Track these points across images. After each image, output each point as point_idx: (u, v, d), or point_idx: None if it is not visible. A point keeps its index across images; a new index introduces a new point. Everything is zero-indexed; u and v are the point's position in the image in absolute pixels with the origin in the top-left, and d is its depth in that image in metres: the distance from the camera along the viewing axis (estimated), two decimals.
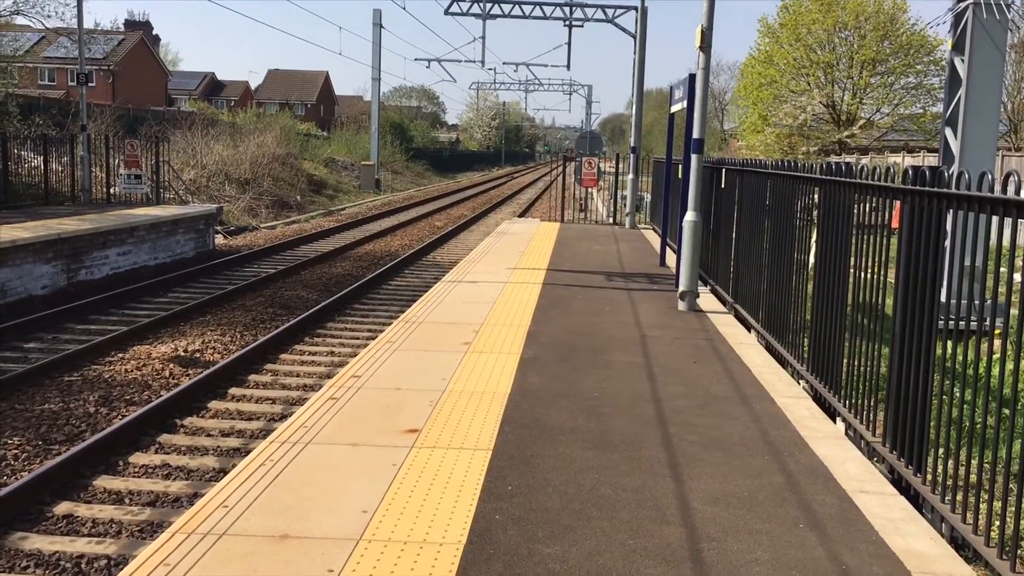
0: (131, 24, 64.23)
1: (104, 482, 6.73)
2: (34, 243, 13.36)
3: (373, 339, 9.89)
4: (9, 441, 7.45)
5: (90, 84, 21.88)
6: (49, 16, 22.04)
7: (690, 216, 9.78)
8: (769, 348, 8.07)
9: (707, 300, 10.43)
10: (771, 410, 6.09)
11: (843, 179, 6.01)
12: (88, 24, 23.45)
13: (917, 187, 4.74)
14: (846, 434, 5.70)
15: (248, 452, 6.98)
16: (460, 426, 5.45)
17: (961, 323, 4.57)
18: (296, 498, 4.27)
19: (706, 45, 9.51)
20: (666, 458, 5.04)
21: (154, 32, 66.65)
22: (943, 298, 4.82)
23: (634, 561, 3.79)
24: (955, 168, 10.86)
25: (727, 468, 4.93)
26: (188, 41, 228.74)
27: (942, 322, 4.81)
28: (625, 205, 20.96)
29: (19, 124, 21.49)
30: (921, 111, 39.10)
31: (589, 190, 28.02)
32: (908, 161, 30.26)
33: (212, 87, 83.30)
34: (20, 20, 23.04)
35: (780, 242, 7.82)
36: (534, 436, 5.31)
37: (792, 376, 7.14)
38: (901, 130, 41.32)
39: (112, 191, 21.09)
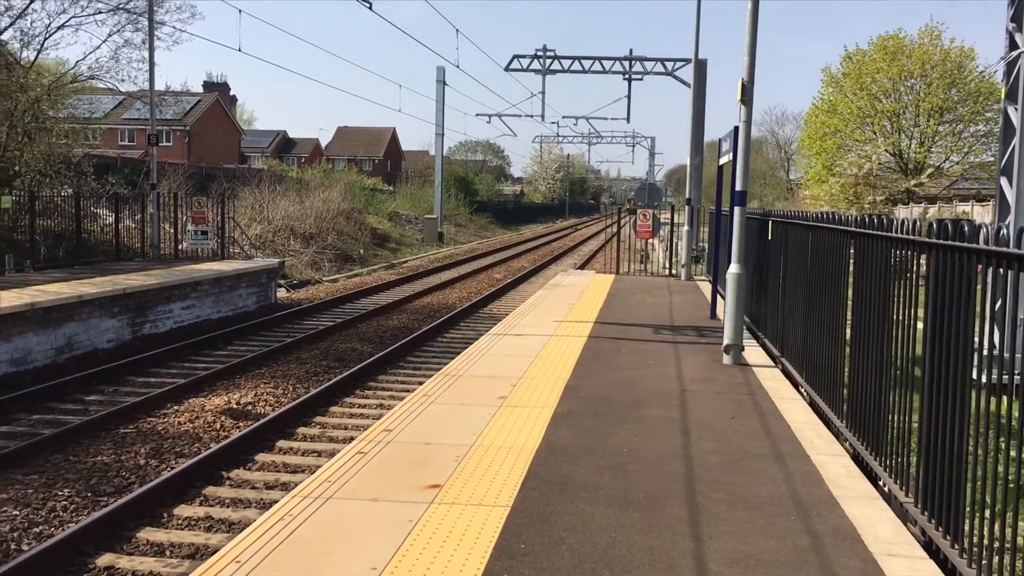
0: (209, 85, 66.79)
1: (147, 534, 6.86)
2: (100, 298, 13.85)
3: None
4: (59, 492, 7.67)
5: (165, 143, 22.76)
6: (123, 80, 23.08)
7: (734, 268, 9.70)
8: (813, 404, 7.91)
9: (755, 354, 10.27)
10: (805, 468, 5.95)
11: (873, 232, 5.92)
12: (160, 87, 24.47)
13: (940, 240, 4.66)
14: (882, 494, 5.54)
15: None
16: (483, 482, 5.45)
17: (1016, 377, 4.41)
18: (309, 554, 4.31)
19: (747, 98, 9.51)
20: (687, 516, 4.96)
21: (231, 92, 69.15)
22: (996, 351, 4.64)
23: None
24: (1011, 219, 10.62)
25: (750, 528, 4.82)
26: (263, 100, 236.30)
27: (997, 376, 4.62)
28: (681, 256, 20.85)
29: (93, 183, 22.41)
30: (992, 159, 38.20)
31: (650, 241, 27.96)
32: (978, 210, 29.53)
33: (284, 144, 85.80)
34: (100, 84, 24.16)
35: (821, 295, 7.70)
36: (555, 493, 5.29)
37: (834, 434, 6.97)
38: (972, 179, 40.39)
39: (180, 247, 21.79)
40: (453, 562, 4.25)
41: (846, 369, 6.77)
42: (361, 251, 33.15)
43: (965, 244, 4.37)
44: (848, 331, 6.76)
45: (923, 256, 5.09)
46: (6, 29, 21.29)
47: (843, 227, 6.80)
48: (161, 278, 16.12)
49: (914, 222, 5.20)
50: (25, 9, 21.10)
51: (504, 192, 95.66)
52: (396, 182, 67.40)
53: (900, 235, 5.34)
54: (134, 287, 14.86)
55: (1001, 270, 4.17)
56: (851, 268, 6.73)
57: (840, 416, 6.90)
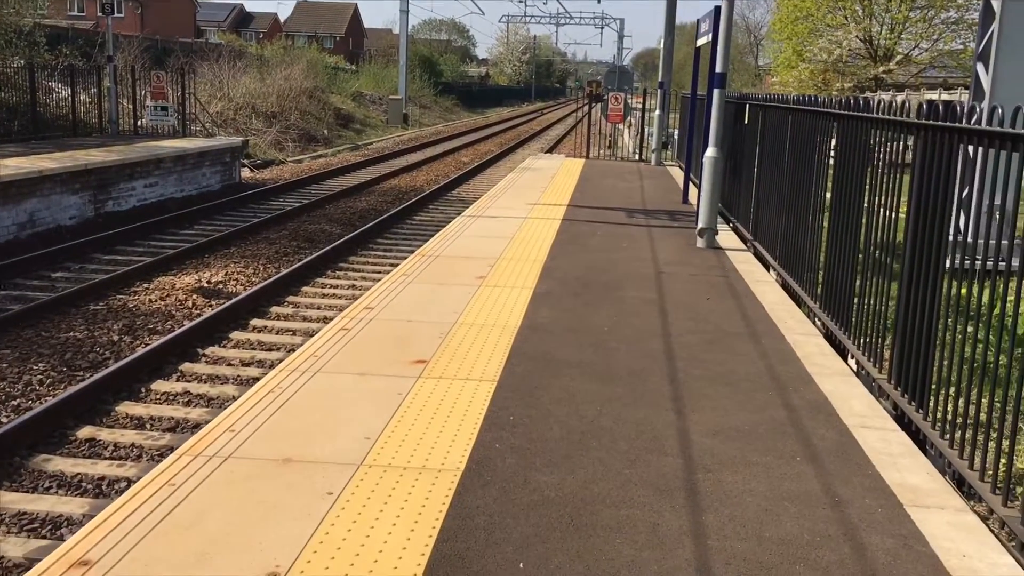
0: None
1: (126, 408, 6.90)
2: (61, 173, 13.51)
3: None
4: (35, 367, 7.65)
5: (117, 14, 21.84)
6: None
7: (711, 152, 9.68)
8: (785, 286, 8.05)
9: (728, 238, 10.38)
10: (780, 347, 6.10)
11: (859, 114, 5.91)
12: None
13: (929, 122, 4.66)
14: (856, 372, 5.71)
15: None
16: (468, 358, 5.52)
17: (982, 262, 4.50)
18: (301, 424, 4.37)
19: None
20: (670, 392, 5.08)
21: None
22: (969, 238, 4.72)
23: (629, 490, 3.87)
24: (986, 103, 10.63)
25: (730, 402, 4.97)
26: None
27: (967, 262, 4.72)
28: (652, 142, 20.74)
29: (46, 55, 21.51)
30: (961, 47, 37.98)
31: (618, 126, 27.72)
32: (944, 98, 29.55)
33: (241, 19, 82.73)
34: None
35: (798, 179, 7.74)
36: (540, 368, 5.38)
37: (806, 314, 7.12)
38: (940, 67, 40.20)
39: (139, 123, 21.19)
40: (445, 432, 4.34)
41: (822, 253, 6.87)
42: (325, 131, 32.51)
43: (957, 124, 4.38)
44: (826, 216, 6.83)
45: (910, 139, 5.11)
46: None
47: (826, 109, 6.78)
48: (122, 155, 15.71)
49: (903, 103, 5.20)
50: None
51: (469, 74, 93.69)
52: (358, 61, 65.55)
53: (888, 116, 5.33)
54: (95, 163, 14.49)
55: (992, 151, 4.18)
56: (831, 152, 6.75)
57: (813, 298, 7.04)
